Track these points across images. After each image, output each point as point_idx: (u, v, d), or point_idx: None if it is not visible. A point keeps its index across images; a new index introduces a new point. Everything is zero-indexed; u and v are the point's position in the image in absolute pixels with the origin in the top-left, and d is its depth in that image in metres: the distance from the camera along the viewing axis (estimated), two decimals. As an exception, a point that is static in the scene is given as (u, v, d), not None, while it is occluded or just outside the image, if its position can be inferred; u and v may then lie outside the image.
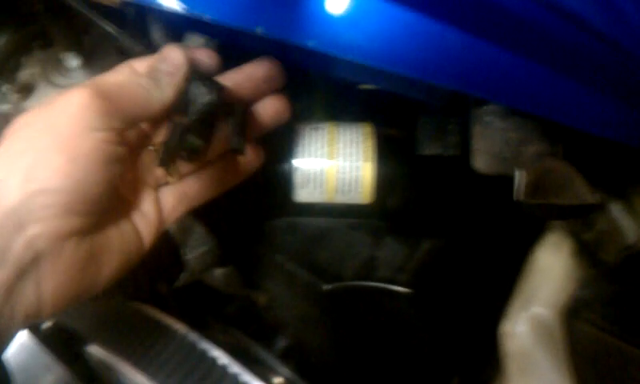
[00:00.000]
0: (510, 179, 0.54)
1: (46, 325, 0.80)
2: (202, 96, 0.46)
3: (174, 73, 0.46)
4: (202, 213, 0.56)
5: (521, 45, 0.46)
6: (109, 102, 0.42)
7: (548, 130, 0.50)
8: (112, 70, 0.47)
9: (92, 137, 0.40)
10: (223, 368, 0.66)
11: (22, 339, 0.77)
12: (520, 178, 0.49)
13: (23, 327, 0.40)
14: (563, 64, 0.46)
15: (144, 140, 0.50)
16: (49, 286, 0.39)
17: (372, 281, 0.60)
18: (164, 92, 0.46)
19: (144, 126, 0.49)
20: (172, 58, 0.47)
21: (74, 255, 0.40)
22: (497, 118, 0.51)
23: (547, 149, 0.49)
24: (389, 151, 0.61)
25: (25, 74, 0.80)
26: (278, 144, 0.61)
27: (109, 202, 0.43)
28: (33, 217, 0.38)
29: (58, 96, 0.42)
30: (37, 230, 0.38)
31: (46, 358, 0.77)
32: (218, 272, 0.70)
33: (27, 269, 0.38)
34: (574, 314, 0.58)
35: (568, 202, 0.48)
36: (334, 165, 0.60)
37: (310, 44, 0.46)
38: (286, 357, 0.79)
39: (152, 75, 0.46)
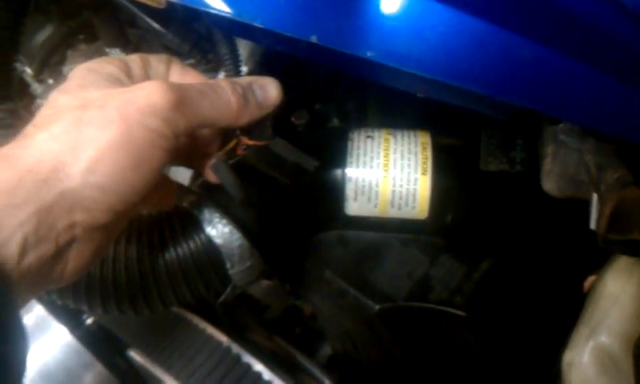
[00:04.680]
0: (580, 202, 0.50)
1: (88, 324, 0.80)
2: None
3: (262, 106, 0.48)
4: (249, 226, 0.54)
5: (605, 61, 0.41)
6: (183, 107, 0.42)
7: (628, 155, 0.45)
8: (194, 74, 0.50)
9: (158, 145, 0.41)
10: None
11: (63, 338, 0.77)
12: (599, 207, 0.44)
13: None
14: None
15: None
16: (70, 266, 0.41)
17: (426, 302, 0.57)
18: (244, 116, 0.47)
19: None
20: (269, 92, 0.49)
21: (98, 243, 0.42)
22: (573, 139, 0.46)
23: (629, 176, 0.44)
24: (447, 163, 0.57)
25: (70, 68, 0.79)
26: (330, 153, 0.58)
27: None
28: (82, 205, 0.39)
29: (135, 86, 0.42)
30: (80, 218, 0.39)
31: (86, 357, 0.77)
32: (263, 284, 0.67)
33: (62, 250, 0.39)
34: (646, 347, 0.54)
35: (655, 238, 0.43)
36: (389, 177, 0.57)
37: (369, 55, 0.43)
38: (330, 366, 0.76)
39: (245, 95, 0.47)
